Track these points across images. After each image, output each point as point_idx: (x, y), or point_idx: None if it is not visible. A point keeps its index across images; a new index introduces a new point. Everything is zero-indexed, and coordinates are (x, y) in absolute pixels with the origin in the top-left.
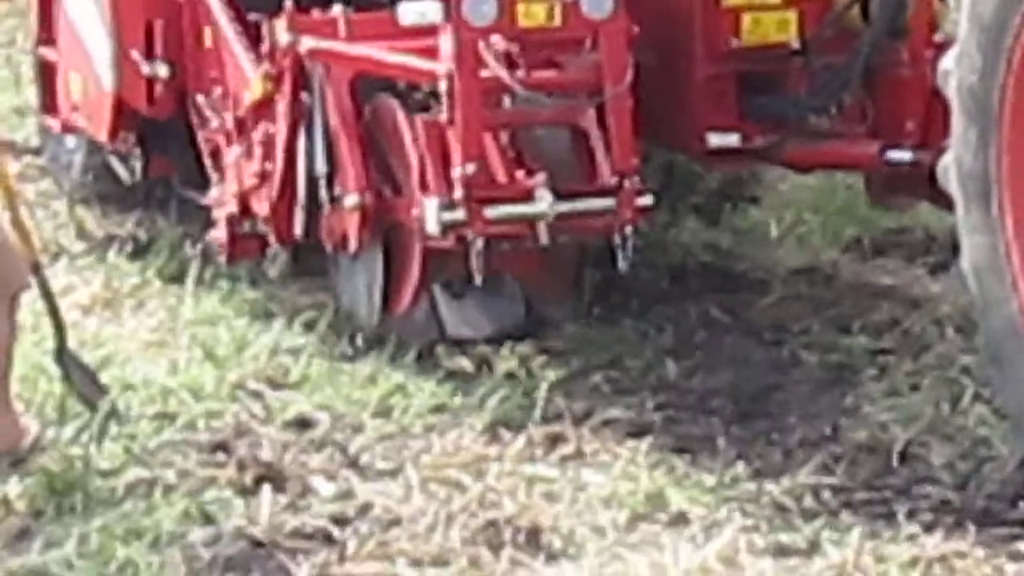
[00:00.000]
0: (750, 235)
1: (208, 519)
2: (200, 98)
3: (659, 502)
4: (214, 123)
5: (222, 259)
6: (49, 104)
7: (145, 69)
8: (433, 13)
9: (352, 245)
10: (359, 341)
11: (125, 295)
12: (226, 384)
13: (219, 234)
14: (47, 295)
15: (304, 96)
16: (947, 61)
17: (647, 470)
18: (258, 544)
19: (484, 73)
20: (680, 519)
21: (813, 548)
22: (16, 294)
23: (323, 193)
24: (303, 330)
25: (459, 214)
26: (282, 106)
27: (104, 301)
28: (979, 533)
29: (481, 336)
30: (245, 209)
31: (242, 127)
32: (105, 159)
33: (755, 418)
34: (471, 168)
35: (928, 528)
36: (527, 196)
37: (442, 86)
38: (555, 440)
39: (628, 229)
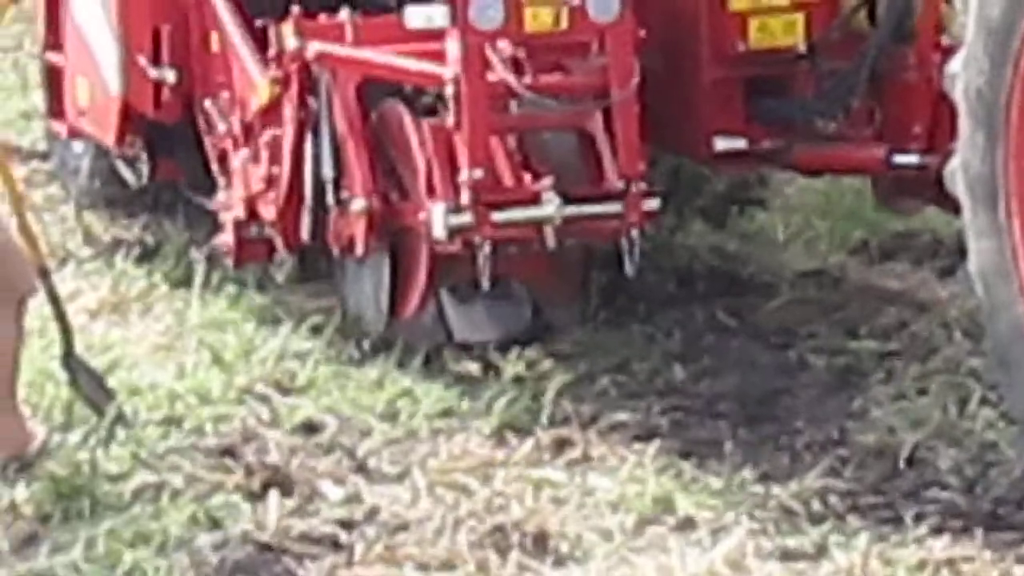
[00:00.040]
0: (757, 239)
1: (215, 523)
2: (207, 103)
3: (666, 506)
4: (221, 127)
5: (229, 263)
6: (56, 109)
7: (152, 74)
8: (440, 17)
9: (359, 249)
10: (366, 345)
11: (132, 299)
12: (233, 388)
13: (226, 238)
14: (54, 300)
15: (311, 100)
16: (954, 65)
17: (654, 474)
18: (265, 548)
19: (491, 77)
20: (687, 523)
21: (820, 552)
22: (23, 299)
23: (330, 197)
24: (310, 334)
25: (466, 218)
26: (289, 110)
27: (111, 305)
28: (986, 537)
29: (488, 340)
30: (252, 213)
31: (249, 131)
32: (112, 163)
33: (762, 422)
34: (478, 172)
35: (935, 532)
36: (534, 200)
37: (449, 90)
38: (562, 444)
39: (635, 233)
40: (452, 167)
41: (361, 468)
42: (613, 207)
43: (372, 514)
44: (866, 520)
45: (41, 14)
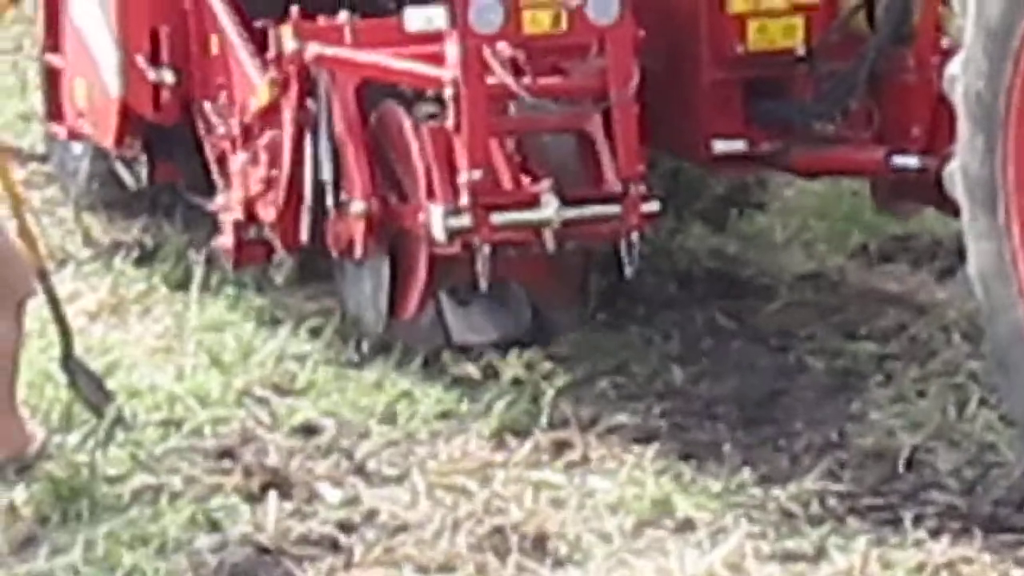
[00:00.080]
0: (756, 241)
1: (214, 526)
2: (206, 104)
3: (665, 508)
4: (220, 129)
5: (228, 265)
6: (55, 111)
7: (151, 75)
8: (439, 19)
9: (358, 251)
10: (365, 347)
11: (131, 301)
12: (232, 390)
13: (225, 240)
14: (53, 301)
15: (310, 102)
16: (953, 67)
17: (653, 476)
18: (264, 551)
19: (490, 79)
20: (686, 525)
21: (820, 554)
22: (22, 300)
23: (329, 199)
24: (309, 336)
25: (465, 220)
26: (288, 112)
27: (110, 307)
28: (986, 539)
29: (487, 342)
30: (251, 215)
31: (248, 133)
32: (111, 165)
33: (761, 424)
34: (477, 174)
35: (935, 534)
36: (533, 202)
37: (448, 92)
38: (561, 446)
39: (634, 235)
40: (451, 169)
41: (360, 470)
42: (612, 209)
43: (371, 516)
44: (865, 522)
45: (40, 16)
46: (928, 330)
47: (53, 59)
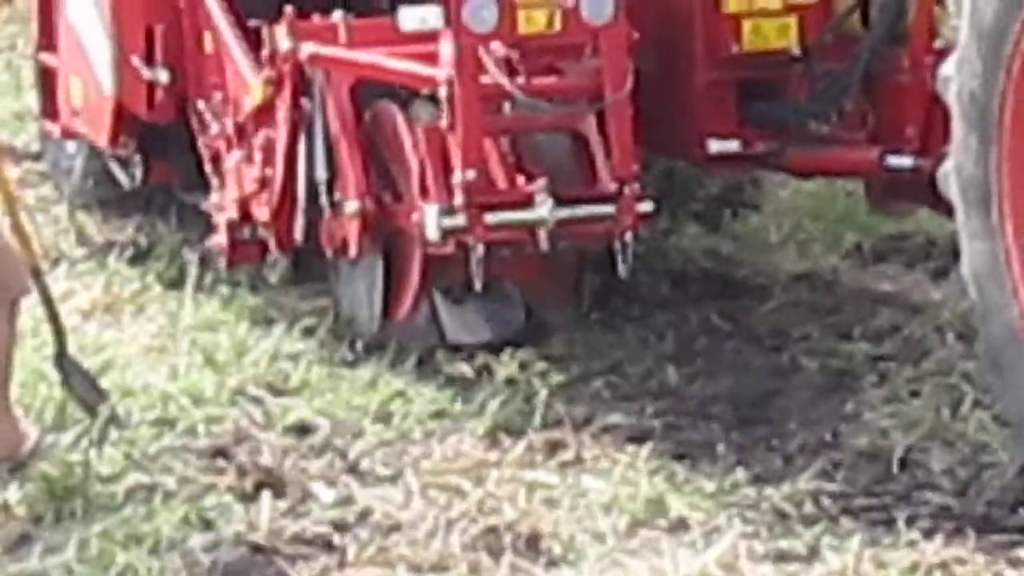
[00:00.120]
0: (750, 241)
1: (208, 525)
2: (200, 103)
3: (659, 508)
4: (214, 128)
5: (222, 264)
6: (49, 109)
7: (146, 74)
8: (434, 19)
9: (352, 251)
10: (359, 347)
11: (125, 300)
12: (226, 390)
13: (219, 239)
14: (47, 300)
15: (304, 102)
16: (947, 67)
17: (647, 476)
18: (258, 550)
19: (484, 79)
20: (680, 525)
21: (813, 554)
22: (16, 299)
23: (323, 199)
24: (303, 336)
25: (459, 220)
26: (282, 112)
27: (104, 306)
28: (979, 539)
29: (481, 342)
30: (245, 214)
31: (242, 133)
32: (105, 164)
33: (755, 424)
34: (471, 174)
35: (928, 534)
36: (527, 202)
37: (442, 92)
38: (555, 446)
39: (628, 235)
40: (445, 169)
41: (354, 469)
42: (606, 209)
43: (365, 515)
44: (859, 522)
45: (35, 14)
46: (922, 330)
47: (48, 58)
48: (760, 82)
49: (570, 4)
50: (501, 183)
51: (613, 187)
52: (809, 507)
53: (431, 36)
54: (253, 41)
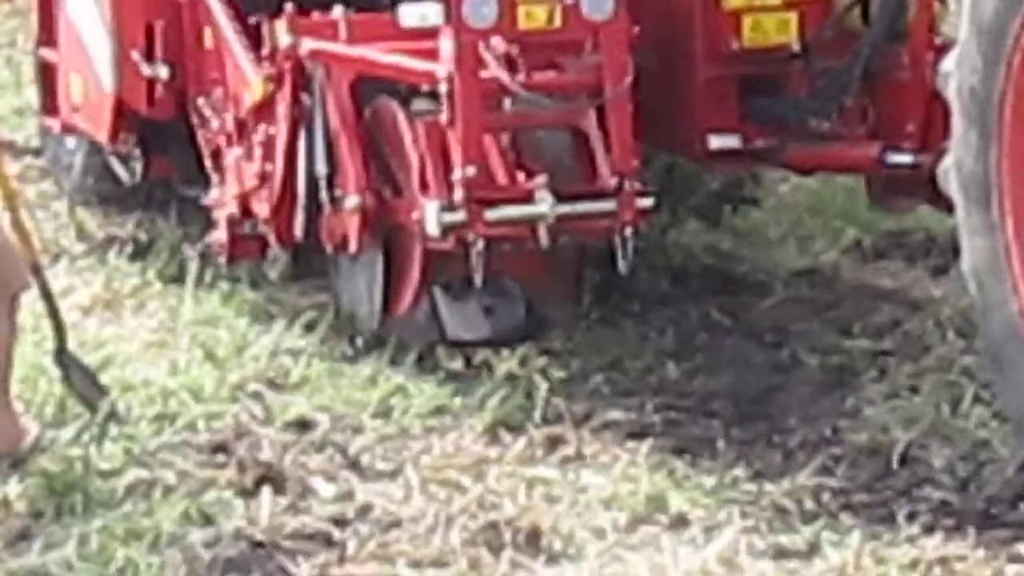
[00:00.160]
0: (751, 237)
1: (208, 520)
2: (200, 99)
3: (659, 504)
4: (214, 124)
5: (222, 260)
6: (49, 105)
7: (145, 70)
8: (434, 15)
9: (352, 246)
10: (359, 342)
11: (125, 296)
12: (226, 385)
13: (219, 235)
14: (47, 296)
15: (304, 98)
16: (947, 63)
17: (647, 472)
18: (258, 545)
19: (484, 75)
20: (680, 521)
21: (813, 550)
22: (16, 295)
23: (323, 194)
24: (303, 331)
25: (459, 216)
26: (283, 107)
27: (104, 302)
28: (979, 535)
29: (481, 338)
30: (245, 210)
31: (242, 128)
32: (105, 160)
33: (755, 420)
34: (471, 170)
35: (928, 530)
36: (527, 198)
37: (442, 88)
38: (555, 442)
39: (628, 231)
40: (446, 165)
41: (354, 465)
42: (607, 205)
43: (365, 511)
44: (859, 518)
45: (35, 10)
46: (922, 326)
47: (48, 53)
48: (760, 78)
49: (570, 0)
50: (501, 179)
51: (613, 183)
52: (809, 503)
53: (431, 32)
54: (253, 37)
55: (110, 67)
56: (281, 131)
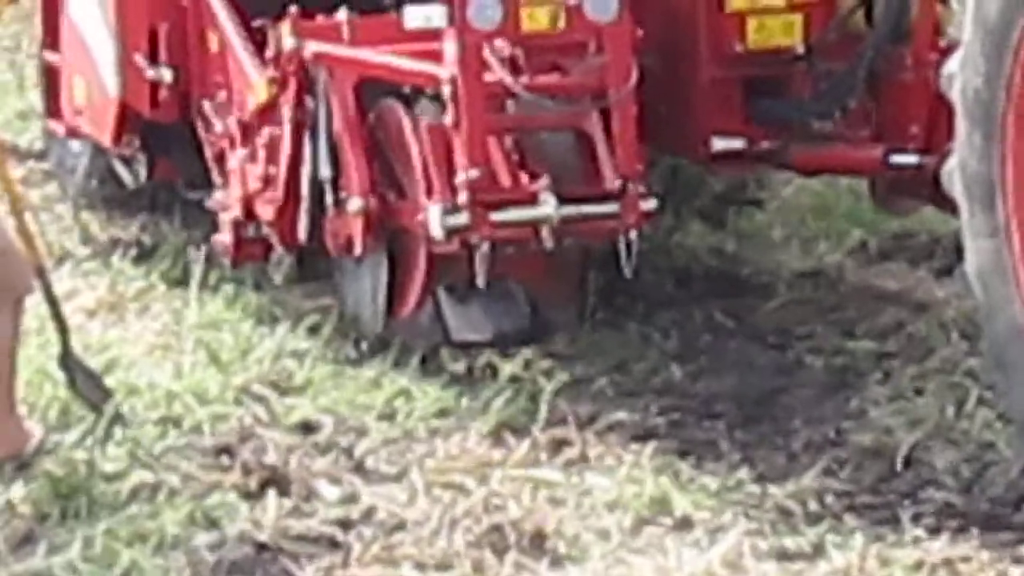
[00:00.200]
0: (754, 239)
1: (213, 523)
2: (205, 102)
3: (663, 506)
4: (218, 127)
5: (227, 263)
6: (53, 108)
7: (149, 73)
8: (438, 17)
9: (357, 249)
10: (363, 345)
11: (129, 299)
12: (231, 388)
13: (224, 238)
14: (51, 299)
15: (308, 100)
16: (951, 65)
17: (651, 474)
18: (263, 548)
19: (488, 77)
20: (684, 523)
21: (817, 552)
22: (20, 298)
23: (328, 197)
24: (307, 334)
25: (463, 218)
26: (286, 110)
27: (108, 305)
28: (983, 537)
29: (485, 340)
30: (249, 213)
31: (246, 131)
32: (109, 163)
33: (759, 422)
34: (475, 172)
35: (932, 532)
36: (531, 200)
37: (446, 90)
38: (560, 444)
39: (632, 233)
40: (449, 167)
41: (358, 468)
42: (610, 207)
43: (369, 514)
44: (863, 520)
45: (39, 14)
46: (926, 328)
47: (51, 57)
48: (764, 80)
49: (574, 2)
50: (505, 181)
51: (617, 185)
52: (813, 505)
53: (435, 34)
54: (257, 40)
55: (114, 70)
56: (285, 134)
